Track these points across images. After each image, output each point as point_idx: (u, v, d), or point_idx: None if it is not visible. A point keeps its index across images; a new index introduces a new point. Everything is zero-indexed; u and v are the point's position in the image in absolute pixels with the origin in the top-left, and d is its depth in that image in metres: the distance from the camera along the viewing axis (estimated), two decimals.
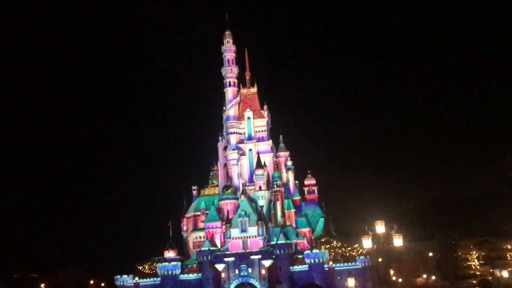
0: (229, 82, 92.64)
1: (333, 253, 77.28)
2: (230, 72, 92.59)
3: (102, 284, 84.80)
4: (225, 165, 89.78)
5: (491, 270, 75.22)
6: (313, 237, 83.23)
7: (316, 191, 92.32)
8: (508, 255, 75.69)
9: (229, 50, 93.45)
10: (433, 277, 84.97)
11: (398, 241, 26.69)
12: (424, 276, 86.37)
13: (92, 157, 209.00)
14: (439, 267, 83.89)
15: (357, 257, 73.81)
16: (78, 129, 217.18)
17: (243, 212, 77.59)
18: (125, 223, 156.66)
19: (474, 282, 70.50)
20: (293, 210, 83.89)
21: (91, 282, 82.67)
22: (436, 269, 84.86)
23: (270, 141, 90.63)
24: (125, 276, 78.00)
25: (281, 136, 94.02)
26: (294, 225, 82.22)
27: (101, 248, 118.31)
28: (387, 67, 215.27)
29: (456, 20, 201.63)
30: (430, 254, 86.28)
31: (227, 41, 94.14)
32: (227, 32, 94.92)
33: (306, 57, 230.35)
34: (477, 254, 78.53)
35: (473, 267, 77.77)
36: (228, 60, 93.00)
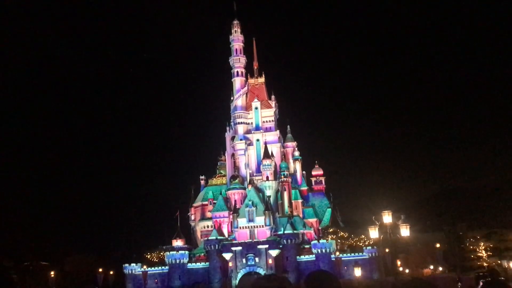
0: (237, 72, 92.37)
1: (340, 244, 77.43)
2: (238, 62, 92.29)
3: (111, 272, 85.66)
4: (233, 155, 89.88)
5: (499, 261, 75.01)
6: (320, 228, 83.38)
7: (323, 182, 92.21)
8: None
9: (237, 39, 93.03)
10: (440, 268, 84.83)
11: (405, 232, 26.68)
12: (431, 267, 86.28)
13: (102, 146, 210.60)
14: (446, 259, 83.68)
15: (364, 248, 73.88)
16: (89, 118, 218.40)
17: (250, 202, 77.84)
18: (134, 212, 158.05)
19: (480, 273, 70.08)
20: (300, 201, 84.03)
21: (100, 270, 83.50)
22: (443, 261, 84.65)
23: (278, 131, 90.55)
24: (133, 264, 78.85)
25: (288, 126, 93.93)
26: (301, 215, 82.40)
27: (110, 236, 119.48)
28: (395, 58, 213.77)
29: (461, 13, 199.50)
30: (437, 245, 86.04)
31: (235, 31, 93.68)
32: (235, 22, 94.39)
33: (314, 48, 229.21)
34: (484, 246, 78.29)
35: (481, 258, 77.58)
36: (236, 49, 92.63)
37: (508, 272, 69.79)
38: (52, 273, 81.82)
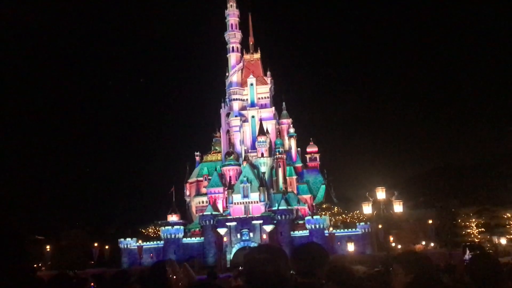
0: (232, 47, 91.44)
1: (333, 220, 78.30)
2: (233, 37, 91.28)
3: (106, 247, 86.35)
4: (228, 131, 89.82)
5: (489, 237, 76.22)
6: (314, 204, 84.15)
7: (318, 159, 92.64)
8: (507, 223, 76.56)
9: (232, 14, 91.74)
10: (432, 244, 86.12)
11: (398, 208, 26.96)
12: (423, 243, 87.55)
13: (98, 122, 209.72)
14: (438, 234, 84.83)
15: (357, 224, 74.74)
16: (85, 95, 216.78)
17: (245, 178, 78.20)
18: (129, 187, 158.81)
19: (467, 243, 71.06)
20: (294, 177, 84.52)
21: (95, 244, 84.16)
22: (435, 236, 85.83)
23: (273, 108, 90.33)
24: (128, 239, 79.50)
25: (283, 103, 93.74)
26: (295, 192, 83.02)
27: (106, 211, 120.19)
28: (390, 35, 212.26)
29: None
30: (430, 221, 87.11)
31: (231, 5, 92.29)
32: None
33: (310, 23, 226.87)
34: (476, 222, 79.42)
35: (472, 234, 78.79)
36: (232, 24, 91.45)
37: (498, 247, 70.97)
38: (47, 247, 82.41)
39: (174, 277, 4.40)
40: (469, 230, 79.03)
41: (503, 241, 70.93)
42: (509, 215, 77.04)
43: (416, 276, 4.05)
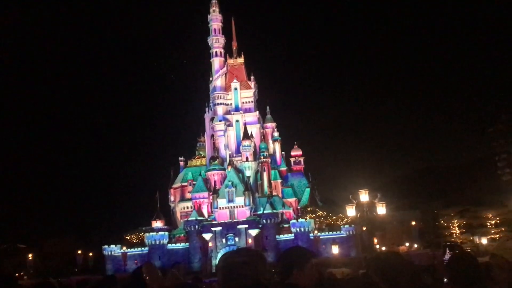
0: (216, 52, 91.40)
1: (318, 222, 78.63)
2: (216, 42, 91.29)
3: (90, 254, 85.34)
4: (212, 136, 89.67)
5: (471, 238, 77.44)
6: (299, 207, 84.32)
7: (302, 162, 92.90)
8: (488, 223, 77.88)
9: (215, 19, 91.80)
10: (415, 245, 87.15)
11: (381, 209, 27.21)
12: (407, 244, 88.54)
13: (81, 128, 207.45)
14: (422, 236, 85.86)
15: (341, 226, 75.17)
16: (69, 101, 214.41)
17: (230, 183, 78.12)
18: (113, 193, 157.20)
19: (448, 243, 72.11)
20: (279, 181, 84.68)
21: (79, 251, 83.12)
22: (419, 238, 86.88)
23: (257, 112, 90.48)
24: (112, 245, 78.70)
25: (268, 107, 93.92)
26: (280, 195, 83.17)
27: (89, 218, 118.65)
28: (372, 37, 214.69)
29: None
30: (413, 223, 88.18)
31: (214, 10, 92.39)
32: (214, 1, 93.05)
33: (293, 28, 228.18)
34: (458, 223, 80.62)
35: (454, 235, 79.96)
36: (215, 29, 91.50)
37: (479, 247, 72.12)
38: (30, 255, 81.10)
39: (149, 278, 4.44)
40: (451, 231, 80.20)
41: (484, 241, 72.05)
42: (490, 216, 78.41)
43: (380, 276, 4.13)
